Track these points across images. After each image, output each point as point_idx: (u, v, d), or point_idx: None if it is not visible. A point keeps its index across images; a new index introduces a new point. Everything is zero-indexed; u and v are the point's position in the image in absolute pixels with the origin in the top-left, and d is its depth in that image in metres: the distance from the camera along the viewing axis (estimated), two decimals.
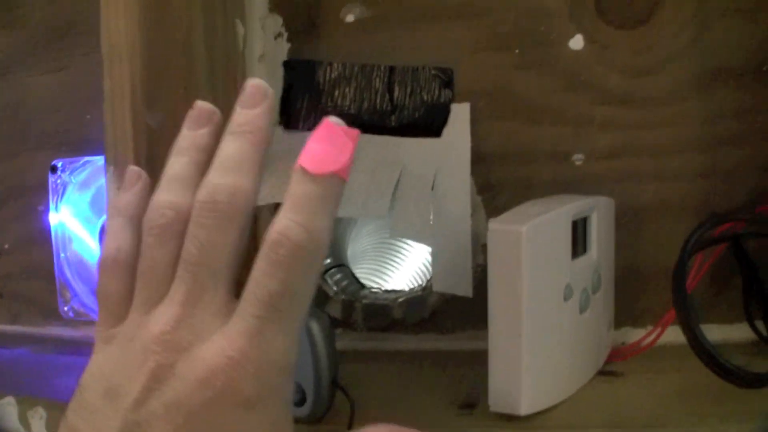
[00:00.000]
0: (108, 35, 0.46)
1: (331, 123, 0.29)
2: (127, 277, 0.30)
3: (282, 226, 0.27)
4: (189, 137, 0.33)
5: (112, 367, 0.28)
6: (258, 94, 0.31)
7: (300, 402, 0.43)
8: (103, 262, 0.31)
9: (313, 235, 0.27)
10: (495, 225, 0.42)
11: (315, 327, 0.45)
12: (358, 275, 0.60)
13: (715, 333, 0.54)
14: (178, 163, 0.31)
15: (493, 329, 0.43)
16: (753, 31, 0.53)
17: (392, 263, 0.64)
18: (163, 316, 0.27)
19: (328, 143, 0.28)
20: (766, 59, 0.54)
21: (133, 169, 0.35)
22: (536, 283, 0.42)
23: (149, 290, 0.29)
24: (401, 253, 0.65)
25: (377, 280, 0.64)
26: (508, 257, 0.42)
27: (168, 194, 0.30)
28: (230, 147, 0.30)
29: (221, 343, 0.26)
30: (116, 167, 0.46)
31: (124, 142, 0.46)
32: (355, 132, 0.29)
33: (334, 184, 0.28)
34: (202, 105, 0.34)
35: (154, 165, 0.46)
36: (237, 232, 0.28)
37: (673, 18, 0.53)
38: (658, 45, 0.53)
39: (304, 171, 0.27)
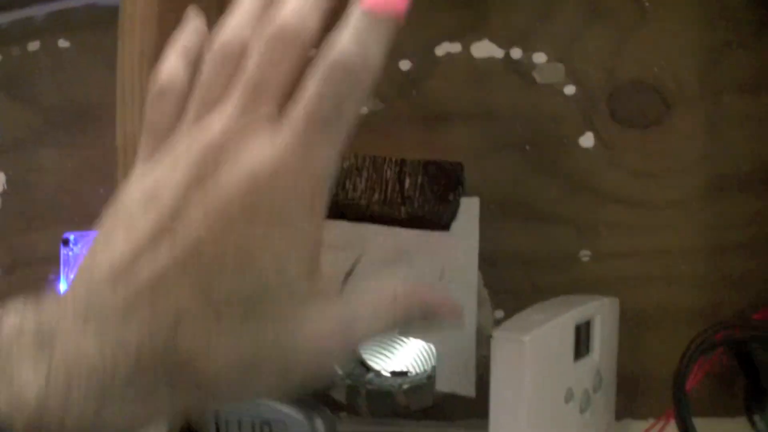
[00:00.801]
0: (123, 126, 0.49)
1: None
2: (177, 105, 0.29)
3: (341, 50, 0.26)
4: None
5: (154, 176, 0.27)
6: None
7: None
8: (151, 92, 0.30)
9: (368, 63, 0.27)
10: (499, 333, 0.43)
11: (320, 426, 0.46)
12: (363, 352, 0.61)
13: (717, 427, 0.55)
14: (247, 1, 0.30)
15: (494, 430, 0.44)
16: (763, 138, 0.54)
17: (391, 348, 0.65)
18: (211, 125, 0.27)
19: None
20: None
21: (191, 8, 0.33)
22: (538, 388, 0.43)
23: (199, 107, 0.28)
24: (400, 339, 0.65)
25: (381, 356, 0.64)
26: (510, 365, 0.43)
27: (233, 29, 0.29)
28: None
29: (268, 152, 0.26)
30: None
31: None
32: None
33: (391, 24, 0.28)
34: None
35: None
36: (298, 59, 0.27)
37: (684, 122, 0.55)
38: (668, 148, 0.55)
39: (365, 9, 0.27)
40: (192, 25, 0.32)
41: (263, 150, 0.26)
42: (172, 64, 0.30)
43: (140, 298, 0.24)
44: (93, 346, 0.24)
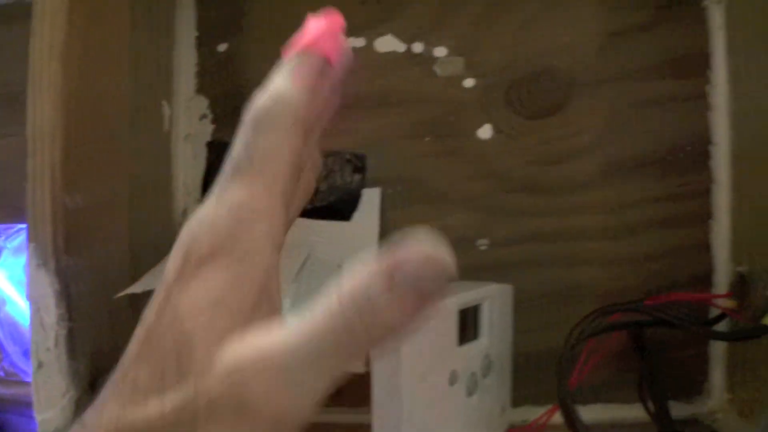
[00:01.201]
0: (33, 117, 0.49)
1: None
2: None
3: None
4: None
5: None
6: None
7: None
8: None
9: (275, 96, 0.27)
10: None
11: None
12: None
13: (615, 412, 0.56)
14: None
15: (377, 413, 0.45)
16: (660, 122, 0.56)
17: None
18: None
19: (299, 36, 0.29)
20: (671, 149, 0.56)
21: None
22: (418, 370, 0.44)
23: None
24: None
25: None
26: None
27: None
28: None
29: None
30: (37, 244, 0.49)
31: (44, 221, 0.49)
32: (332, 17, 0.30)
33: (304, 59, 0.29)
34: None
35: (72, 243, 0.49)
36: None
37: (583, 108, 0.56)
38: (567, 135, 0.56)
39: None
40: None
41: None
42: None
43: None
44: None
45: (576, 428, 0.48)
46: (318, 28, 0.30)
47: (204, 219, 0.26)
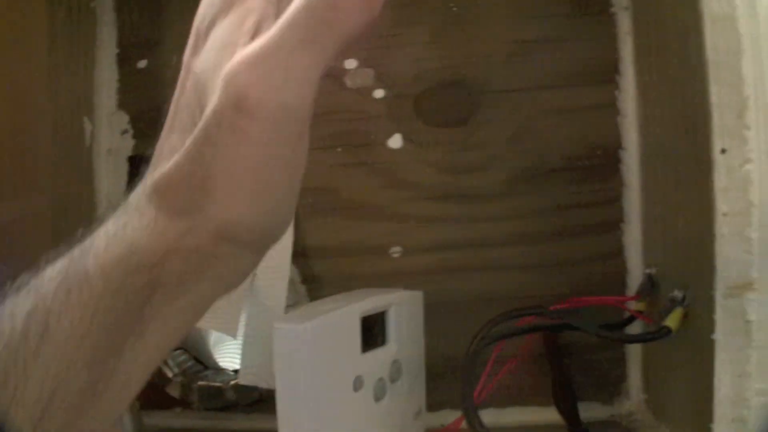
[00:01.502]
0: None
1: None
2: None
3: None
4: None
5: None
6: None
7: None
8: None
9: None
10: (279, 323, 0.46)
11: (126, 419, 0.48)
12: (223, 356, 0.63)
13: (531, 415, 0.57)
14: None
15: (282, 422, 0.46)
16: (564, 131, 0.57)
17: None
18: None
19: None
20: (582, 156, 0.57)
21: None
22: (320, 377, 0.45)
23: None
24: None
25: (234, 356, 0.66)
26: (290, 354, 0.45)
27: None
28: None
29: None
30: None
31: None
32: None
33: None
34: None
35: None
36: None
37: (493, 117, 0.57)
38: (476, 143, 0.57)
39: None
40: None
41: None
42: None
43: None
44: None
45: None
46: None
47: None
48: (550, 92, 0.58)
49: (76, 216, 0.59)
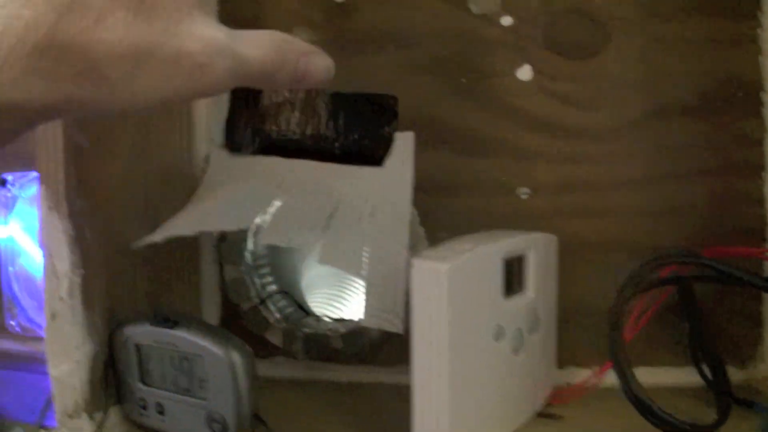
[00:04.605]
0: None
1: None
2: None
3: None
4: None
5: None
6: None
7: None
8: None
9: None
10: (418, 262, 0.41)
11: (237, 360, 0.44)
12: (313, 303, 0.59)
13: (663, 376, 0.53)
14: None
15: (416, 367, 0.41)
16: (700, 67, 0.52)
17: (347, 292, 0.63)
18: None
19: None
20: (713, 95, 0.52)
21: None
22: (461, 323, 0.41)
23: None
24: (356, 282, 0.63)
25: (332, 308, 0.62)
26: (430, 296, 0.40)
27: None
28: None
29: None
30: (48, 186, 0.45)
31: (56, 162, 0.46)
32: None
33: None
34: None
35: (84, 183, 0.45)
36: None
37: (622, 50, 0.52)
38: (605, 77, 0.52)
39: None
40: None
41: None
42: None
43: None
44: None
45: (630, 387, 0.44)
46: None
47: None
48: (678, 23, 0.52)
49: (174, 148, 0.55)
